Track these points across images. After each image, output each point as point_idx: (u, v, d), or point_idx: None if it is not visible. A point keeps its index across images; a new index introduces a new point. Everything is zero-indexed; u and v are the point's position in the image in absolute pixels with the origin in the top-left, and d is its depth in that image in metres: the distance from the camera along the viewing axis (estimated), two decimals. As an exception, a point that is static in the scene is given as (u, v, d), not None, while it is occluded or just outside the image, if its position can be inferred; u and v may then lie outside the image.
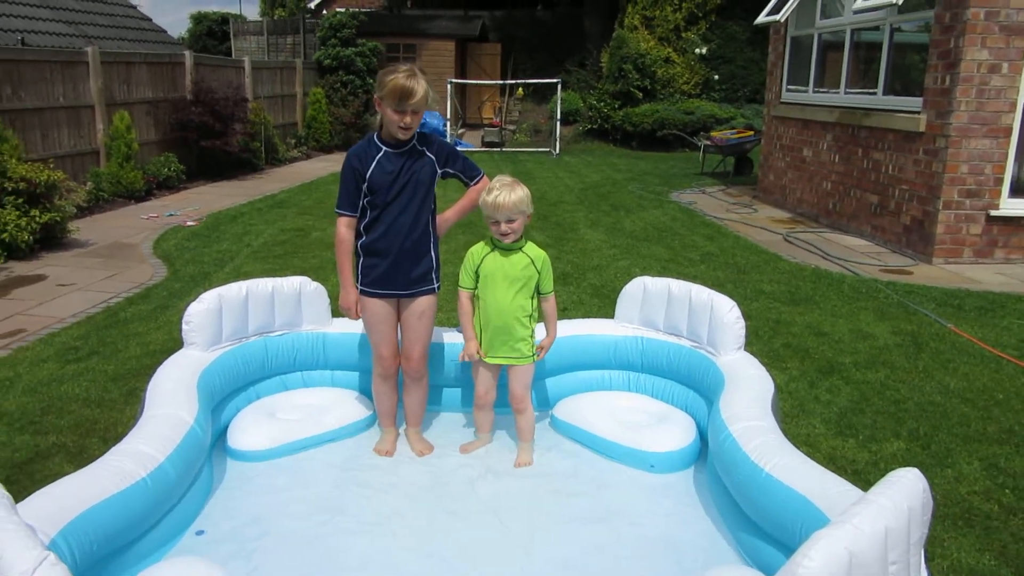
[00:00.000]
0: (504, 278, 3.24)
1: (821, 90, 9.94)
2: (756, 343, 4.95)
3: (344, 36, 19.15)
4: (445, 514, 2.97)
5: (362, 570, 2.64)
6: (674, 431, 3.43)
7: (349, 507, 3.00)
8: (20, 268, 6.88)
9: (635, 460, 3.34)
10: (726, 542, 2.81)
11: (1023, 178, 7.32)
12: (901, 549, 1.94)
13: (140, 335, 5.07)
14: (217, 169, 12.80)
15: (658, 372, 3.83)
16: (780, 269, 7.10)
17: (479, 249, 3.31)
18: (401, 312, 3.33)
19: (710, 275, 6.77)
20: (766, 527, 2.58)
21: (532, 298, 3.32)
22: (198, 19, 25.12)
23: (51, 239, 7.61)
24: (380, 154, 3.15)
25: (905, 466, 2.16)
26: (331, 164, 15.04)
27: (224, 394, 3.54)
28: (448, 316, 4.86)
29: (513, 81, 20.60)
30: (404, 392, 3.50)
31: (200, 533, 2.81)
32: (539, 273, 3.29)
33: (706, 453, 3.29)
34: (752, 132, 14.06)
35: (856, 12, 8.56)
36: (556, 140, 17.56)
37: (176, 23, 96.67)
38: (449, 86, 17.92)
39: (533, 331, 3.37)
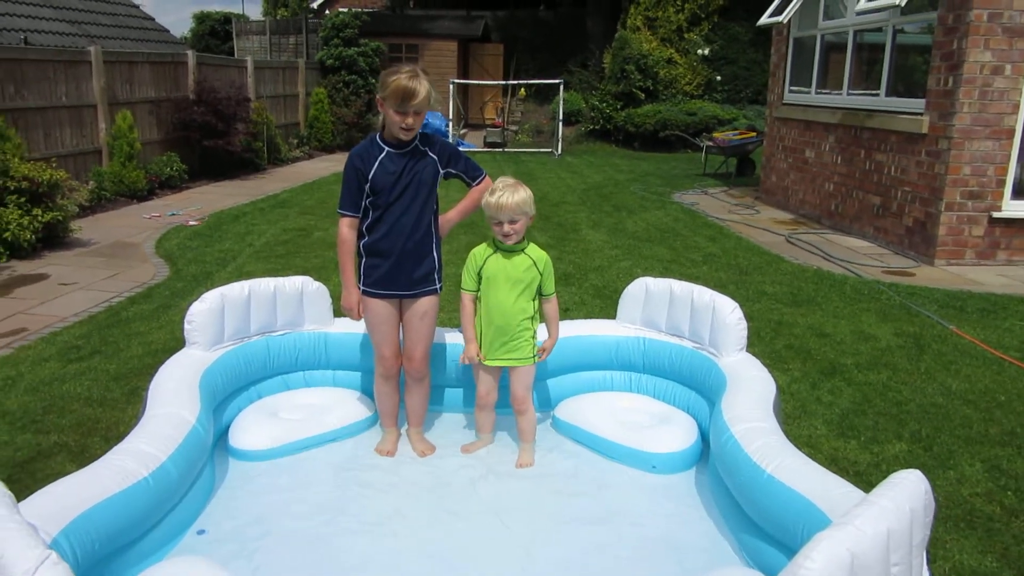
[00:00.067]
0: (506, 280, 3.25)
1: (824, 91, 9.93)
2: (758, 344, 4.95)
3: (347, 36, 19.15)
4: (446, 514, 2.97)
5: (363, 570, 2.64)
6: (676, 432, 3.43)
7: (350, 507, 3.00)
8: (22, 267, 6.88)
9: (637, 461, 3.34)
10: (728, 543, 2.81)
11: (1025, 180, 7.33)
12: (903, 551, 1.94)
13: (142, 334, 5.07)
14: (219, 169, 12.81)
15: (660, 373, 3.83)
16: (782, 270, 7.10)
17: (481, 251, 3.31)
18: (403, 313, 3.33)
19: (712, 276, 6.77)
20: (768, 528, 2.58)
21: (534, 299, 3.33)
22: (201, 19, 25.11)
23: (53, 238, 7.62)
24: (382, 154, 3.15)
25: (907, 468, 2.17)
26: (333, 164, 15.05)
27: (226, 393, 3.54)
28: (450, 316, 4.86)
29: (515, 81, 20.61)
30: (406, 392, 3.50)
31: (202, 533, 2.81)
32: (541, 275, 3.29)
33: (708, 454, 3.29)
34: (754, 133, 14.06)
35: (859, 13, 8.55)
36: (558, 141, 17.56)
37: (179, 23, 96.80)
38: (451, 86, 17.93)
39: (535, 332, 3.37)
